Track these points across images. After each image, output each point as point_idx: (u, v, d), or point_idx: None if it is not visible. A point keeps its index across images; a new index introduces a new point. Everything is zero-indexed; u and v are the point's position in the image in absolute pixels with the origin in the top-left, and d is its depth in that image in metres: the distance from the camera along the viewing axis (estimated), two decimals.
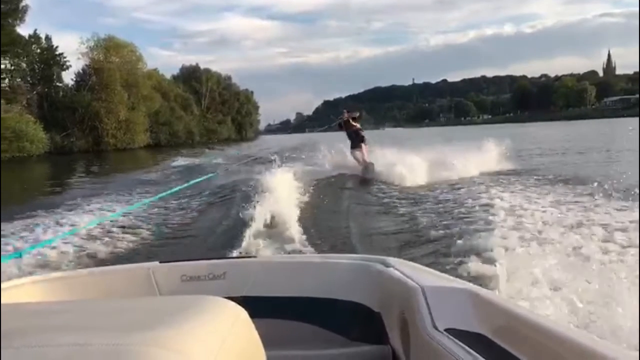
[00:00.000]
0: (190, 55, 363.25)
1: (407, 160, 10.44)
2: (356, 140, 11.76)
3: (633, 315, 2.41)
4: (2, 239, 5.46)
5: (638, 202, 5.24)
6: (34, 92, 37.52)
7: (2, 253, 4.51)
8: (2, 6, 33.08)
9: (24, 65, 38.41)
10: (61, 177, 16.46)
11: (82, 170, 19.81)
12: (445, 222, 5.84)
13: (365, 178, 10.67)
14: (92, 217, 7.15)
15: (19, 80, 37.72)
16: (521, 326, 0.92)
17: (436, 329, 1.02)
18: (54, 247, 5.15)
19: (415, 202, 7.70)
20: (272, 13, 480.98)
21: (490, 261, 3.82)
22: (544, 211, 5.89)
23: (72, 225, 6.50)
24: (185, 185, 5.78)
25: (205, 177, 5.46)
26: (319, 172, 11.36)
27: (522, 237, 4.56)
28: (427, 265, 1.88)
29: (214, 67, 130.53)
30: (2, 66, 35.50)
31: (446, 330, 1.01)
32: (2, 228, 6.05)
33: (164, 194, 5.92)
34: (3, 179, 18.18)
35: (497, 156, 11.20)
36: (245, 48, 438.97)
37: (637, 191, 5.55)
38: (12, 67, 37.43)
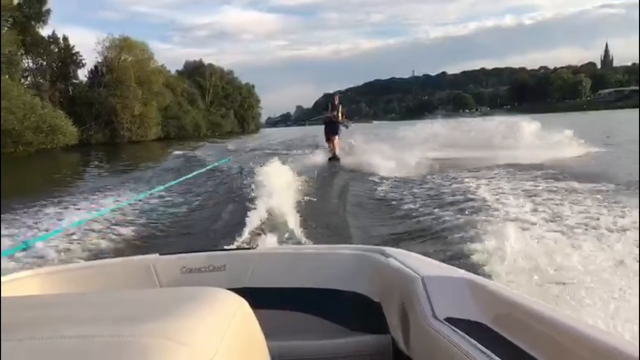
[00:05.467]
0: (189, 48, 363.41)
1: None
2: (331, 130, 12.25)
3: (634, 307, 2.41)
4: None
5: (638, 197, 5.25)
6: (54, 89, 40.08)
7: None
8: (27, 10, 35.81)
9: (44, 64, 40.95)
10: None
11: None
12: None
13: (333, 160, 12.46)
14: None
15: (39, 78, 40.25)
16: (521, 314, 0.91)
17: (436, 318, 1.02)
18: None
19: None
20: (271, 6, 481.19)
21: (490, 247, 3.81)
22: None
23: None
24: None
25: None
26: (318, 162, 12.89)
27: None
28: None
29: (214, 61, 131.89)
30: (26, 65, 38.18)
31: (446, 319, 1.01)
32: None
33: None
34: (41, 168, 20.78)
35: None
36: (245, 41, 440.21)
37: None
38: (35, 66, 40.30)
